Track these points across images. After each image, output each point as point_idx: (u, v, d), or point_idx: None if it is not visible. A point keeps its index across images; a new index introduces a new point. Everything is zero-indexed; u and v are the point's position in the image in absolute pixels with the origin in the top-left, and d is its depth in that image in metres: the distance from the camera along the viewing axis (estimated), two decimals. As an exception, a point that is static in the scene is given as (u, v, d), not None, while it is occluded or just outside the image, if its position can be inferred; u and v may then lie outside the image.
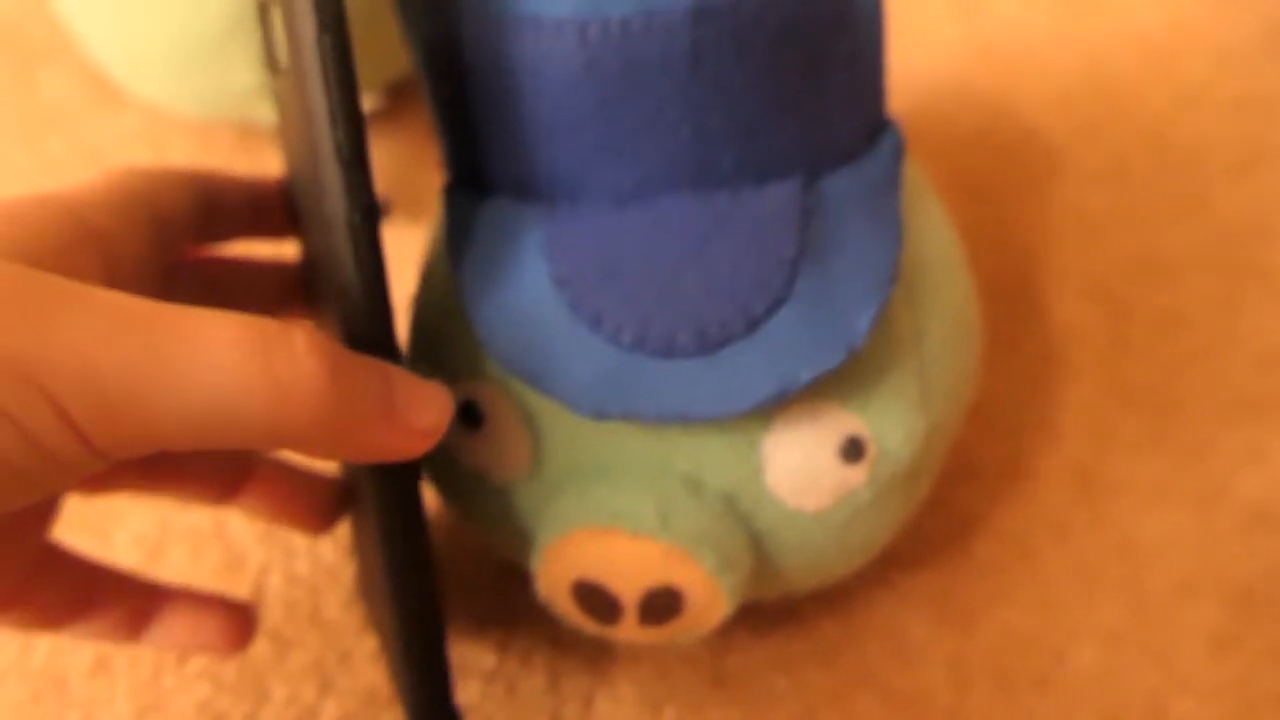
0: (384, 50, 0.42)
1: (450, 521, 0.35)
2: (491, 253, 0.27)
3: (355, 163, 0.23)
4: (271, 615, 0.34)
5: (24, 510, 0.25)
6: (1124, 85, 0.48)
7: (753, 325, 0.25)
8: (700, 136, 0.25)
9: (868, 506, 0.27)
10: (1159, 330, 0.40)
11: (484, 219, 0.27)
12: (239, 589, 0.34)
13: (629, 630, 0.27)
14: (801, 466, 0.26)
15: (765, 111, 0.26)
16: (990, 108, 0.48)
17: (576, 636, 0.33)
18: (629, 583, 0.26)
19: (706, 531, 0.26)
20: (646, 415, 0.25)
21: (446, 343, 0.28)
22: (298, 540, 0.35)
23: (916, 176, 0.30)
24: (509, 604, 0.34)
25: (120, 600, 0.29)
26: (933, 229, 0.29)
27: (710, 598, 0.26)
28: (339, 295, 0.24)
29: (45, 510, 0.27)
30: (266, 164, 0.45)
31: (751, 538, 0.27)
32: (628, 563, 0.26)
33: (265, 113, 0.42)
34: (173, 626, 0.29)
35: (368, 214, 0.23)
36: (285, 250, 0.33)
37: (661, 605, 0.26)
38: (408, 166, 0.45)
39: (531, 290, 0.26)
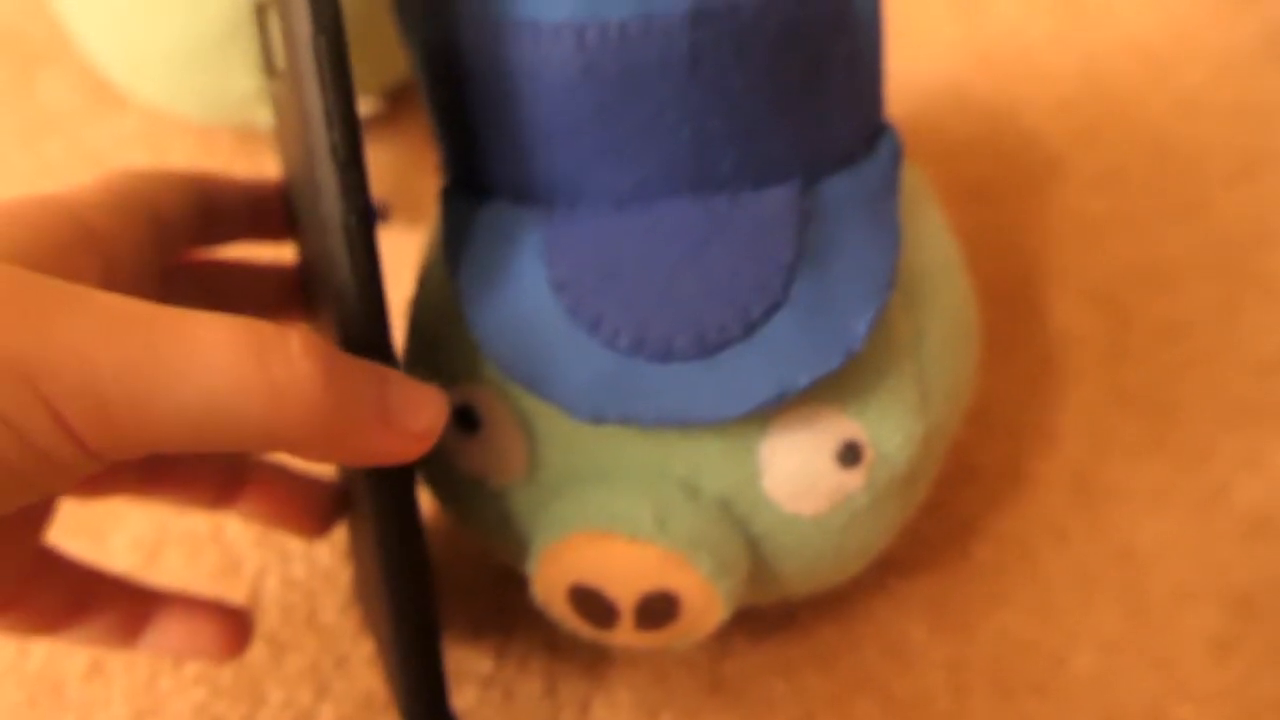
0: (383, 54, 0.42)
1: (447, 526, 0.35)
2: (489, 256, 0.27)
3: (351, 164, 0.23)
4: (268, 619, 0.34)
5: (19, 513, 0.25)
6: (1123, 90, 0.48)
7: (751, 329, 0.25)
8: (699, 140, 0.25)
9: (865, 511, 0.27)
10: (1158, 335, 0.40)
11: (482, 222, 0.27)
12: (235, 592, 0.34)
13: (625, 635, 0.27)
14: (799, 471, 0.26)
15: (764, 115, 0.26)
16: (990, 112, 0.48)
17: (573, 641, 0.33)
18: (625, 587, 0.26)
19: (703, 536, 0.26)
20: (644, 419, 0.25)
21: (444, 346, 0.28)
22: (294, 544, 0.35)
23: (915, 181, 0.30)
24: (506, 608, 0.34)
25: (115, 605, 0.28)
26: (931, 233, 0.29)
27: (707, 602, 0.26)
28: (335, 297, 0.24)
29: (40, 513, 0.27)
30: (266, 167, 0.45)
31: (748, 542, 0.27)
32: (624, 567, 0.26)
33: (265, 116, 0.42)
34: (168, 632, 0.29)
35: (363, 216, 0.23)
36: (284, 253, 0.33)
37: (658, 610, 0.26)
38: (406, 170, 0.45)
39: (529, 294, 0.26)
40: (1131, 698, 0.32)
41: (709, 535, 0.26)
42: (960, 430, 0.35)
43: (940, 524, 0.35)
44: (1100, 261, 0.42)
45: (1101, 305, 0.41)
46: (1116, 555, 0.35)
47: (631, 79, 0.25)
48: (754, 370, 0.25)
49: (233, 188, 0.30)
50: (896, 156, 0.28)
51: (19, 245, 0.23)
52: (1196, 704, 0.32)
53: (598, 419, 0.25)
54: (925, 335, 0.28)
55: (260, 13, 0.27)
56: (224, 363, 0.20)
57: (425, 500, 0.30)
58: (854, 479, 0.27)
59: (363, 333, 0.24)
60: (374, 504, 0.26)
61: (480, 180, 0.27)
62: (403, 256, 0.33)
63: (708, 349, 0.25)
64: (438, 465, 0.29)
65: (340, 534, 0.35)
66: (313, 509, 0.32)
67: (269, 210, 0.31)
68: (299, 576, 0.35)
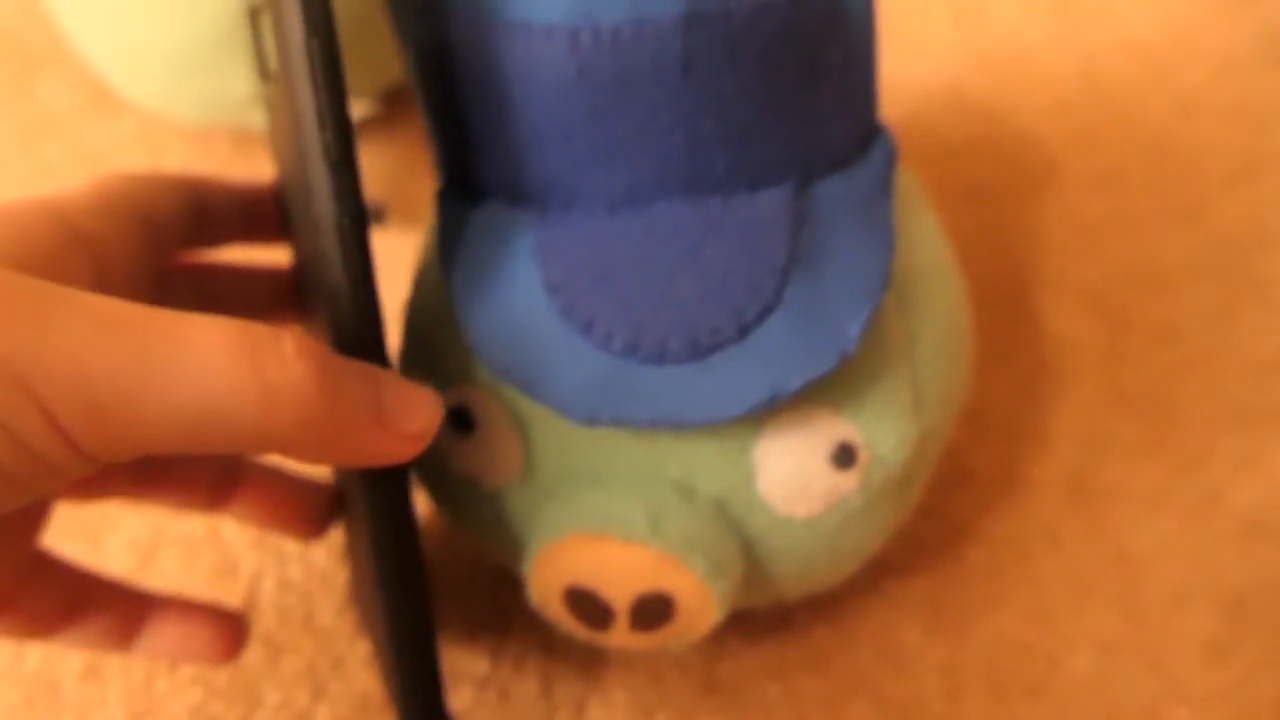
0: (379, 57, 0.42)
1: (443, 527, 0.35)
2: (483, 258, 0.27)
3: (343, 165, 0.23)
4: (264, 621, 0.34)
5: (13, 515, 0.25)
6: (1122, 93, 0.48)
7: (744, 331, 0.25)
8: (692, 142, 0.25)
9: (859, 513, 0.27)
10: (1155, 338, 0.40)
11: (476, 224, 0.27)
12: (232, 594, 0.34)
13: (620, 636, 0.27)
14: (793, 473, 0.26)
15: (757, 117, 0.26)
16: (988, 114, 0.48)
17: (569, 642, 0.33)
18: (620, 589, 0.26)
19: (698, 538, 0.26)
20: (638, 421, 0.25)
21: (439, 347, 0.28)
22: (290, 546, 0.35)
23: (909, 183, 0.30)
24: (502, 609, 0.34)
25: (110, 608, 0.29)
26: (925, 235, 0.29)
27: (701, 604, 0.26)
28: (328, 299, 0.24)
29: (35, 516, 0.27)
30: (263, 169, 0.45)
31: (743, 544, 0.27)
32: (619, 569, 0.26)
33: (262, 119, 0.42)
34: (163, 635, 0.29)
35: (356, 217, 0.23)
36: (278, 256, 0.33)
37: (653, 611, 0.26)
38: (403, 172, 0.45)
39: (523, 296, 0.26)
40: (1127, 700, 0.32)
41: (703, 537, 0.26)
42: (955, 432, 0.35)
43: (935, 526, 0.35)
44: (1098, 263, 0.42)
45: (1099, 307, 0.41)
46: (1112, 558, 0.35)
47: (624, 82, 0.25)
48: (747, 372, 0.25)
49: (226, 190, 0.30)
50: (890, 159, 0.28)
51: (10, 248, 0.23)
52: (1192, 706, 0.32)
53: (592, 420, 0.25)
54: (919, 337, 0.28)
55: (254, 15, 0.27)
56: (217, 365, 0.20)
57: (421, 501, 0.30)
58: (848, 481, 0.27)
59: (356, 334, 0.24)
60: (369, 505, 0.26)
61: (474, 182, 0.28)
62: (399, 258, 0.33)
63: (701, 351, 0.25)
64: (433, 466, 0.29)
65: (336, 536, 0.35)
66: (308, 511, 0.32)
67: (263, 212, 0.31)
68: (295, 578, 0.35)
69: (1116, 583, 0.34)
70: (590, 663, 0.33)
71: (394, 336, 0.29)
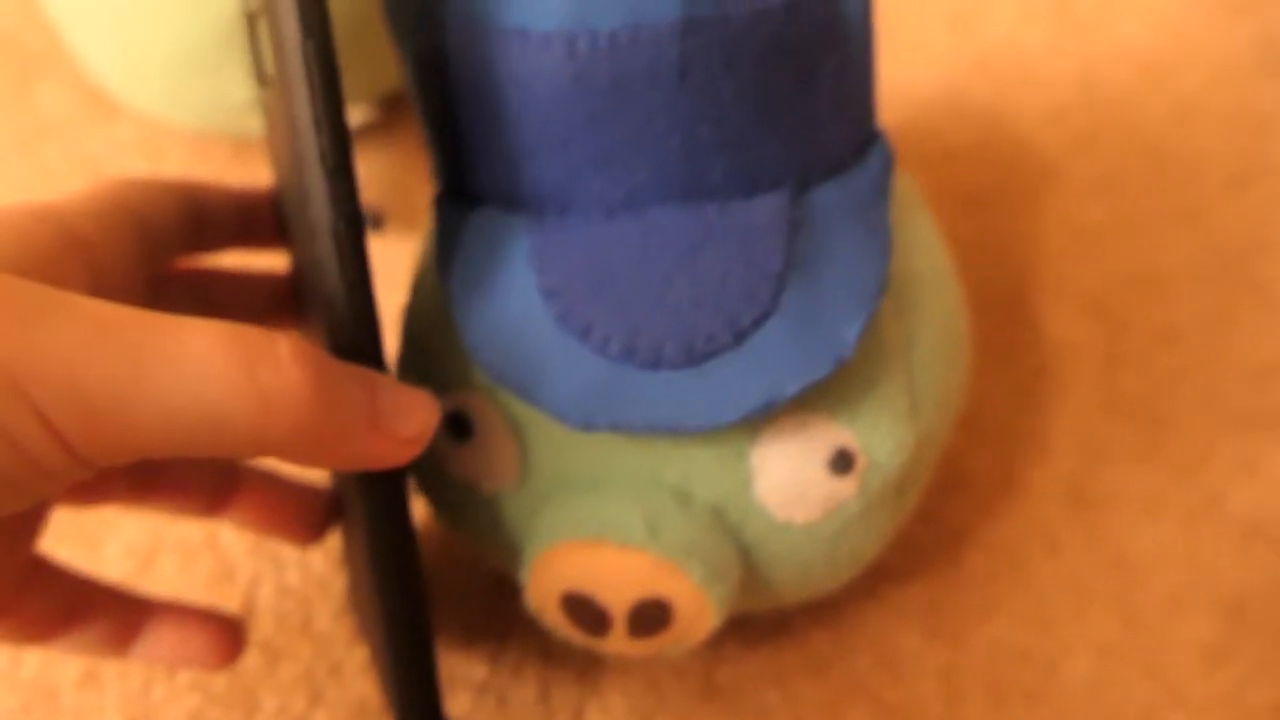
0: (377, 63, 0.42)
1: (441, 532, 0.35)
2: (480, 263, 0.27)
3: (340, 170, 0.23)
4: (262, 626, 0.34)
5: (10, 520, 0.25)
6: (1119, 99, 0.48)
7: (740, 337, 0.25)
8: (689, 148, 0.25)
9: (857, 518, 0.27)
10: (1153, 343, 0.40)
11: (473, 229, 0.27)
12: (229, 600, 0.34)
13: (618, 642, 0.27)
14: (790, 478, 0.26)
15: (754, 123, 0.26)
16: (986, 120, 0.48)
17: (567, 648, 0.33)
18: (617, 594, 0.26)
19: (695, 543, 0.26)
20: (635, 426, 0.25)
21: (436, 352, 0.28)
22: (288, 551, 0.35)
23: (906, 188, 0.30)
24: (499, 615, 0.34)
25: (108, 614, 0.28)
26: (922, 240, 0.29)
27: (699, 609, 0.26)
28: (325, 304, 0.24)
29: (32, 521, 0.26)
30: (261, 175, 0.45)
31: (740, 549, 0.27)
32: (616, 574, 0.26)
33: (259, 124, 0.42)
34: (160, 641, 0.29)
35: (352, 222, 0.23)
36: (276, 261, 0.33)
37: (650, 617, 0.26)
38: (401, 178, 0.45)
39: (520, 301, 0.26)
40: (1126, 705, 0.32)
41: (700, 543, 0.26)
42: (953, 438, 0.35)
43: (933, 531, 0.35)
44: (1097, 267, 0.42)
45: (1097, 311, 0.41)
46: (1111, 562, 0.35)
47: (621, 88, 0.25)
48: (743, 378, 0.25)
49: (223, 195, 0.30)
50: (888, 164, 0.28)
51: (6, 253, 0.23)
52: (1190, 711, 0.32)
53: (588, 426, 0.25)
54: (916, 342, 0.28)
55: (251, 20, 0.27)
56: (212, 369, 0.20)
57: (418, 507, 0.30)
58: (845, 486, 0.27)
59: (352, 339, 0.24)
60: (366, 510, 0.26)
61: (472, 187, 0.28)
62: (397, 263, 0.33)
63: (698, 357, 0.25)
64: (430, 471, 0.29)
65: (334, 541, 0.35)
66: (306, 516, 0.32)
67: (259, 217, 0.31)
68: (293, 584, 0.35)
69: (1115, 587, 0.34)
70: (588, 668, 0.33)
71: (392, 341, 0.29)
